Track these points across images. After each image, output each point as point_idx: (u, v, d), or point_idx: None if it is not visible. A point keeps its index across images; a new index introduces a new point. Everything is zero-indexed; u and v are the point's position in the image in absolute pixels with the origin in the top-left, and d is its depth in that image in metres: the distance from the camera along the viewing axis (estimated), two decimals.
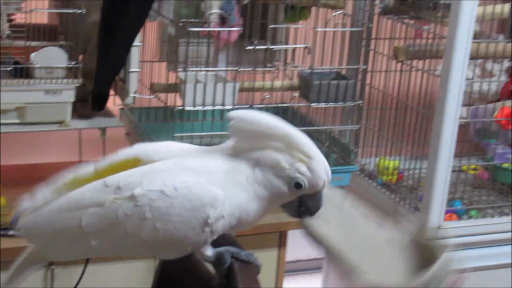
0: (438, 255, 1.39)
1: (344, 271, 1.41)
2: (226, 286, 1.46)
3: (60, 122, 2.36)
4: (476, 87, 2.91)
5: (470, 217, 2.66)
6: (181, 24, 2.33)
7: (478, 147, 3.09)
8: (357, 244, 1.46)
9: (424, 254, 1.44)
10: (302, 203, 1.37)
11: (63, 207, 1.41)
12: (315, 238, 1.44)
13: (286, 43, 2.64)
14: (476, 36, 2.82)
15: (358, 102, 2.56)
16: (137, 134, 2.63)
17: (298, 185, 1.33)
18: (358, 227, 1.48)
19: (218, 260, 1.46)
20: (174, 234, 1.34)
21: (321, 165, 1.35)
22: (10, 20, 2.37)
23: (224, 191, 1.34)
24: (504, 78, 2.97)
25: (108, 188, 1.38)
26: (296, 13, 2.58)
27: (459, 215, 2.65)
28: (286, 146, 1.34)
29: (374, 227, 1.48)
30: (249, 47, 2.41)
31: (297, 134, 1.35)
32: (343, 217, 1.49)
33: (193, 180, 1.34)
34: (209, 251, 1.46)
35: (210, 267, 1.53)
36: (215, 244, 1.47)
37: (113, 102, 2.59)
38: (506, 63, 2.92)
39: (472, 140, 2.84)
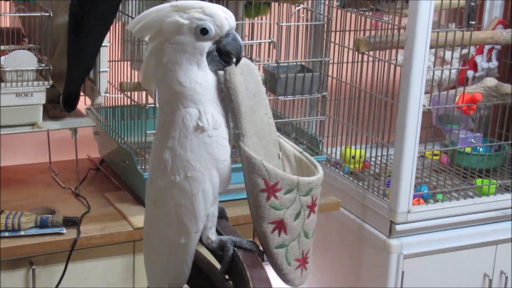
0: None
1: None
2: (231, 274, 1.51)
3: (32, 124, 2.37)
4: (433, 74, 3.00)
5: (437, 201, 2.74)
6: None
7: (437, 133, 3.17)
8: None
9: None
10: (222, 51, 1.47)
11: None
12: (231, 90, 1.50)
13: (251, 38, 2.68)
14: (433, 26, 2.90)
15: (324, 94, 2.62)
16: (107, 132, 2.65)
17: (204, 31, 1.43)
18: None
19: (221, 249, 1.51)
20: (203, 164, 1.46)
21: (216, 8, 1.46)
22: None
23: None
24: (458, 65, 3.06)
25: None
26: (257, 8, 2.63)
27: (426, 199, 2.72)
28: (176, 10, 1.44)
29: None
30: None
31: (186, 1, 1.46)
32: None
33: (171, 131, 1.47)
34: (214, 236, 1.54)
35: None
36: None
37: (84, 102, 2.60)
38: (460, 51, 3.00)
39: (434, 126, 2.92)
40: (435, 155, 3.05)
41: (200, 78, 1.46)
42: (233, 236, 1.55)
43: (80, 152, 2.62)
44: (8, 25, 2.57)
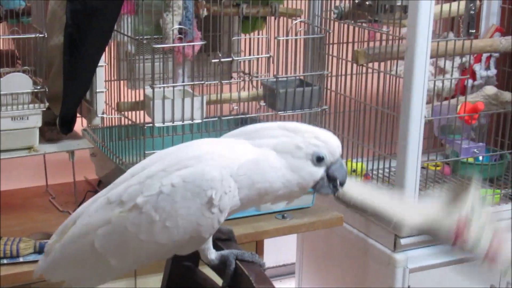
0: (468, 191, 1.46)
1: (386, 222, 1.50)
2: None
3: (29, 148, 2.32)
4: (431, 85, 2.96)
5: None
6: (145, 41, 2.31)
7: (436, 143, 3.14)
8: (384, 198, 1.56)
9: (455, 195, 1.52)
10: (330, 177, 1.46)
11: (75, 235, 1.44)
12: (349, 202, 1.55)
13: (249, 54, 2.64)
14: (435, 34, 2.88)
15: (324, 108, 2.58)
16: (105, 153, 2.61)
17: (319, 159, 1.43)
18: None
19: (222, 264, 1.48)
20: (186, 227, 1.39)
21: (328, 135, 1.46)
22: None
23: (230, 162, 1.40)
24: (457, 74, 3.03)
25: (111, 204, 1.40)
26: (253, 23, 2.60)
27: None
28: (292, 133, 1.44)
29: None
30: (214, 60, 2.41)
31: (294, 123, 1.46)
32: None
33: (187, 171, 1.39)
34: (213, 255, 1.51)
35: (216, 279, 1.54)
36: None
37: (81, 124, 2.55)
38: (458, 60, 2.97)
39: (436, 137, 2.89)
40: (437, 166, 3.01)
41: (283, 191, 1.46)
42: (234, 250, 1.52)
43: (77, 174, 2.58)
44: (1, 47, 2.53)
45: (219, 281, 1.55)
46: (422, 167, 2.88)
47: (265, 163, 1.41)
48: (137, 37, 2.38)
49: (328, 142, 1.44)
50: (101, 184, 2.75)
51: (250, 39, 2.62)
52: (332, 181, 1.46)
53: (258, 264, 1.50)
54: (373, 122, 2.73)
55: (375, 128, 2.72)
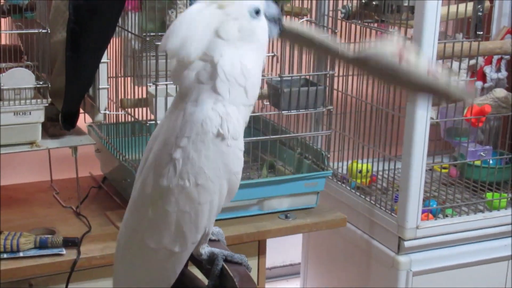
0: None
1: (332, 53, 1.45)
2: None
3: (31, 143, 2.32)
4: None
5: (446, 216, 2.68)
6: (148, 38, 2.31)
7: (446, 146, 3.11)
8: None
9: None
10: (269, 18, 1.45)
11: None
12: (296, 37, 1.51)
13: None
14: (439, 36, 2.85)
15: (329, 108, 2.56)
16: (108, 150, 2.61)
17: (258, 11, 1.42)
18: None
19: (210, 263, 1.48)
20: (216, 172, 1.38)
21: None
22: None
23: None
24: (466, 76, 3.00)
25: (144, 208, 1.45)
26: None
27: (435, 214, 2.66)
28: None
29: None
30: None
31: None
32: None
33: (187, 127, 1.38)
34: (205, 249, 1.49)
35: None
36: None
37: (84, 120, 2.55)
38: (468, 61, 2.94)
39: (443, 139, 2.86)
40: (444, 168, 2.99)
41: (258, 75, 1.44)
42: (224, 250, 1.50)
43: (82, 169, 2.58)
44: (7, 42, 2.54)
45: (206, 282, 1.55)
46: (430, 169, 2.86)
47: (233, 61, 1.40)
48: (140, 34, 2.37)
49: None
50: (106, 180, 2.75)
51: None
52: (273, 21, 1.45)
53: (245, 266, 1.48)
54: (380, 123, 2.71)
55: (380, 129, 2.70)
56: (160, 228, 1.42)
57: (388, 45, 1.41)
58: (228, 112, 1.39)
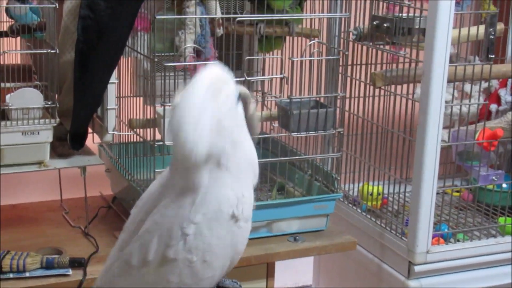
0: None
1: None
2: None
3: (39, 163, 2.33)
4: (454, 109, 2.91)
5: (458, 240, 2.65)
6: (156, 59, 2.31)
7: (460, 168, 3.08)
8: None
9: None
10: None
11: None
12: None
13: (263, 73, 2.62)
14: (452, 58, 2.83)
15: (339, 130, 2.55)
16: (118, 170, 2.60)
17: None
18: None
19: None
20: (225, 252, 1.39)
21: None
22: None
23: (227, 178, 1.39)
24: (481, 99, 2.97)
25: (138, 270, 1.42)
26: (271, 43, 2.58)
27: (446, 238, 2.63)
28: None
29: None
30: None
31: None
32: None
33: (200, 204, 1.37)
34: None
35: None
36: None
37: (92, 140, 2.55)
38: (483, 84, 2.92)
39: (454, 162, 2.83)
40: (457, 191, 2.96)
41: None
42: None
43: (93, 189, 2.58)
44: (18, 62, 2.55)
45: None
46: (444, 192, 2.83)
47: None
48: (148, 55, 2.37)
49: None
50: (115, 200, 2.75)
51: (264, 59, 2.60)
52: None
53: None
54: (391, 145, 2.69)
55: (391, 151, 2.68)
56: None
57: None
58: (244, 194, 1.41)
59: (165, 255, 1.38)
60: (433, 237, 2.55)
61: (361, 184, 2.86)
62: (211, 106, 1.34)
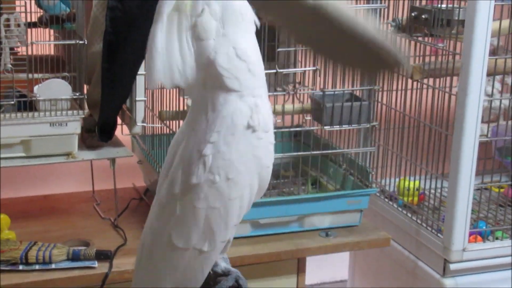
0: None
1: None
2: None
3: (67, 154, 2.32)
4: (498, 102, 2.82)
5: (496, 238, 2.56)
6: None
7: (501, 164, 2.99)
8: None
9: None
10: None
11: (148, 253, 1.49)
12: None
13: (295, 65, 2.57)
14: (495, 51, 2.74)
15: (374, 124, 2.48)
16: (149, 162, 2.58)
17: None
18: None
19: (223, 275, 1.47)
20: (247, 166, 1.35)
21: None
22: (15, 54, 2.35)
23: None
24: None
25: (170, 204, 1.39)
26: None
27: (484, 236, 2.55)
28: None
29: None
30: None
31: None
32: None
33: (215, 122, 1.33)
34: (223, 263, 1.50)
35: None
36: None
37: (121, 131, 2.53)
38: None
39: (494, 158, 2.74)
40: (501, 187, 2.87)
41: (257, 51, 1.38)
42: (239, 273, 1.48)
43: (127, 180, 2.57)
44: (50, 53, 2.54)
45: None
46: (485, 189, 2.75)
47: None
48: None
49: None
50: (148, 192, 2.73)
51: (295, 51, 2.54)
52: None
53: None
54: (428, 139, 2.61)
55: (428, 146, 2.60)
56: (189, 226, 1.38)
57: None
58: (257, 103, 1.35)
59: (189, 183, 1.34)
60: (470, 235, 2.47)
61: (398, 179, 2.79)
62: (178, 24, 1.35)
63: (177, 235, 1.39)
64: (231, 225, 1.38)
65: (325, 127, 2.42)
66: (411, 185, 2.71)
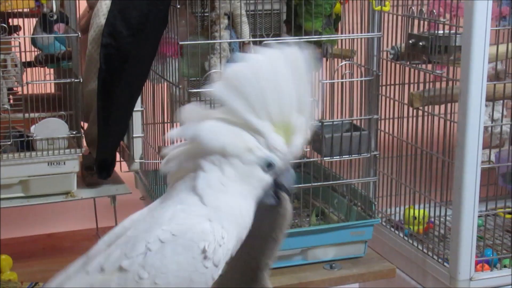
0: None
1: None
2: None
3: (66, 193, 2.32)
4: (505, 127, 2.79)
5: (504, 266, 2.52)
6: (180, 86, 2.27)
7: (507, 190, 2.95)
8: None
9: None
10: (277, 185, 1.37)
11: None
12: None
13: None
14: (499, 75, 2.72)
15: (375, 153, 2.46)
16: (151, 198, 2.57)
17: (270, 165, 1.32)
18: None
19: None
20: (178, 283, 1.29)
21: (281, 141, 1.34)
22: (13, 93, 2.36)
23: (209, 213, 1.31)
24: None
25: (91, 275, 1.33)
26: None
27: (491, 264, 2.51)
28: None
29: None
30: None
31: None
32: None
33: (175, 225, 1.30)
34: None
35: None
36: None
37: (120, 168, 2.53)
38: None
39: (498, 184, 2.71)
40: (509, 213, 2.83)
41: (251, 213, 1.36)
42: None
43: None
44: (51, 91, 2.55)
45: None
46: (494, 215, 2.71)
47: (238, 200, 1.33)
48: (175, 82, 2.34)
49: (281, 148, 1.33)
50: None
51: None
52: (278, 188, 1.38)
53: None
54: (430, 167, 2.58)
55: (430, 174, 2.57)
56: None
57: None
58: (224, 237, 1.31)
59: (120, 264, 1.30)
60: (477, 263, 2.44)
61: (403, 208, 2.76)
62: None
63: None
64: None
65: (325, 158, 2.40)
66: (418, 213, 2.67)
